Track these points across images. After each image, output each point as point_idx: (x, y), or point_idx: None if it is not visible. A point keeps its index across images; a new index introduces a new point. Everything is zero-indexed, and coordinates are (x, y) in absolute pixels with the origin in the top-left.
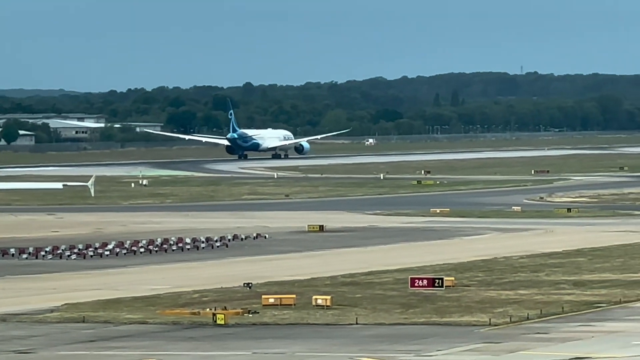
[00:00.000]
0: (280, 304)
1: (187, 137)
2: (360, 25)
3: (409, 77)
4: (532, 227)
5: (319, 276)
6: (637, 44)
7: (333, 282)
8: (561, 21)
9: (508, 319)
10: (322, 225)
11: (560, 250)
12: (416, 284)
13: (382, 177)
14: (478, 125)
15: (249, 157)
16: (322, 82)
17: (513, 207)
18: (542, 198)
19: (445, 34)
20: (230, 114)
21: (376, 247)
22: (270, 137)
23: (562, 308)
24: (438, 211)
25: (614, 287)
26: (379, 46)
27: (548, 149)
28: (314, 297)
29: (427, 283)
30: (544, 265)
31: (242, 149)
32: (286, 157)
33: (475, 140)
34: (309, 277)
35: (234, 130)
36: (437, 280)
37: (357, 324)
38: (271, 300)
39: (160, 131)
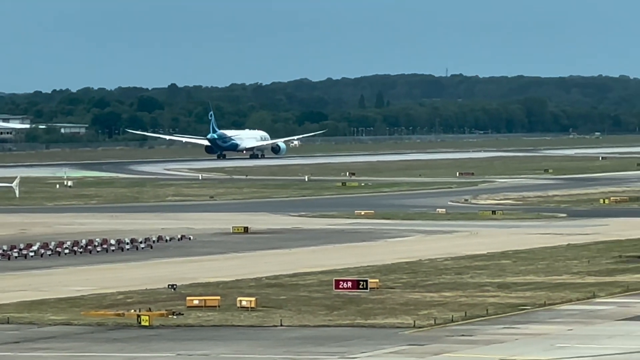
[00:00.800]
0: (205, 306)
1: (167, 137)
2: (284, 27)
3: (334, 78)
4: (456, 229)
5: (244, 278)
6: (561, 46)
7: (258, 283)
8: (486, 23)
9: (432, 321)
10: (247, 227)
11: (485, 252)
12: (341, 286)
13: (306, 179)
14: (403, 127)
15: (227, 157)
16: (247, 84)
17: (437, 209)
18: (466, 200)
19: (370, 36)
20: (210, 115)
21: (301, 248)
22: (248, 137)
23: (487, 310)
24: (362, 213)
25: (538, 290)
26: (304, 48)
27: (473, 151)
28: (238, 298)
29: (351, 285)
30: (469, 267)
31: (221, 149)
32: (263, 157)
33: (400, 142)
34: (233, 279)
35: (214, 131)
36: (361, 282)
37: (281, 325)
38: (195, 302)
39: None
